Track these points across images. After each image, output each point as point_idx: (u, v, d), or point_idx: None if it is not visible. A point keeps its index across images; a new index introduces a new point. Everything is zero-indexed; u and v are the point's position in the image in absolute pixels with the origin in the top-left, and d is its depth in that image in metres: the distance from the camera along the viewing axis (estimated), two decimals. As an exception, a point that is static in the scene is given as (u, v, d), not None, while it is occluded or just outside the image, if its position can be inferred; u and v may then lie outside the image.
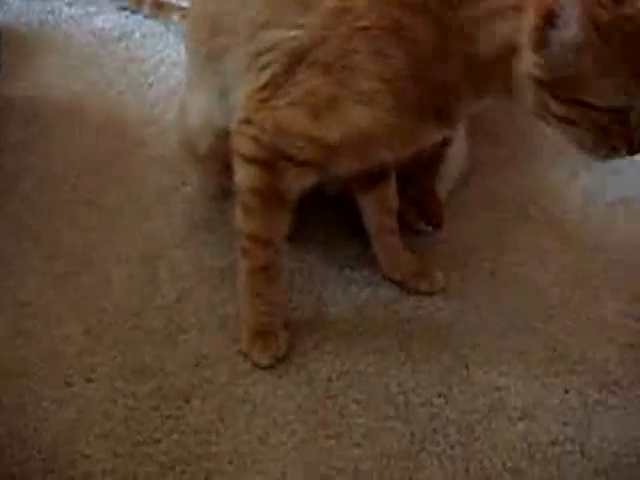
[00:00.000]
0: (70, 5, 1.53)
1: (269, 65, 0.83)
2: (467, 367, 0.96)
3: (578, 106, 0.75)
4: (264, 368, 0.94)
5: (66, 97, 1.33)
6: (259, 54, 0.84)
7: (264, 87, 0.85)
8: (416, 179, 1.07)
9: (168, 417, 0.89)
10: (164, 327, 0.98)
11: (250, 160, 0.87)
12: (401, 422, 0.89)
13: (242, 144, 0.88)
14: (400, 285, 1.05)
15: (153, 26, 1.50)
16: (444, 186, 1.15)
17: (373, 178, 1.00)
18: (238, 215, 0.92)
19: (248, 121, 0.87)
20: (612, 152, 0.79)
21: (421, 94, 0.80)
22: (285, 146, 0.84)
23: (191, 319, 1.00)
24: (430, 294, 1.04)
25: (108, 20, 1.51)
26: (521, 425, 0.90)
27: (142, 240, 1.10)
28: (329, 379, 0.94)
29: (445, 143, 1.05)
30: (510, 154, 1.29)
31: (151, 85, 1.38)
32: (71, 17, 1.50)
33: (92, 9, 1.53)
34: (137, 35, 1.48)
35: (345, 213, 1.10)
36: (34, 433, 0.86)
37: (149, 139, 1.26)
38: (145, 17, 1.52)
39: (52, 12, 1.51)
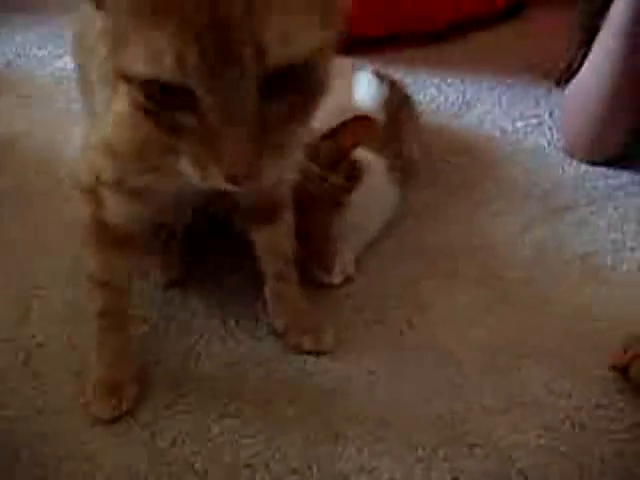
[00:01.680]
0: (39, 48, 1.54)
1: None
2: (337, 441, 0.81)
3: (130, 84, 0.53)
4: (105, 422, 0.83)
5: (7, 134, 1.31)
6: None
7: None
8: (309, 223, 0.95)
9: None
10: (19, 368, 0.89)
11: (79, 189, 0.79)
12: (237, 500, 0.76)
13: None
14: (284, 340, 0.92)
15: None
16: (358, 235, 1.03)
17: (257, 217, 0.89)
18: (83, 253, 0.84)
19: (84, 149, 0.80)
20: (204, 173, 0.54)
21: None
22: (97, 164, 0.75)
23: (50, 364, 0.90)
24: (317, 354, 0.90)
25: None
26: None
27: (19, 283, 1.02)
28: (173, 442, 0.81)
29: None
30: (451, 201, 1.15)
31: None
32: (37, 58, 1.51)
33: (60, 51, 1.53)
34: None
35: (241, 256, 0.99)
36: None
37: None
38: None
39: (19, 54, 1.52)
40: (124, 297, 0.85)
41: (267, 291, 0.94)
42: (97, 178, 0.75)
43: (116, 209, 0.77)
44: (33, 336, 0.93)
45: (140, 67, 0.49)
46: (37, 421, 0.83)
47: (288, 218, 0.90)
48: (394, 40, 1.60)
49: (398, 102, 1.19)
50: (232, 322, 0.95)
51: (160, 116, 0.52)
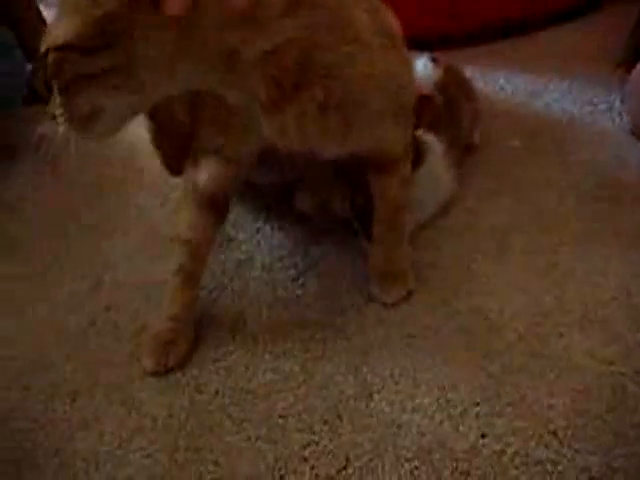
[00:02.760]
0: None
1: None
2: (370, 397, 0.83)
3: None
4: (156, 374, 0.89)
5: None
6: None
7: None
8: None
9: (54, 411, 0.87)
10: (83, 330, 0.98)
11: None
12: (270, 445, 0.79)
13: None
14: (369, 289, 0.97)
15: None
16: (415, 213, 1.04)
17: (371, 168, 0.92)
18: None
19: None
20: None
21: None
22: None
23: (114, 326, 0.98)
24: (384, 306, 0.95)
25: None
26: (407, 466, 0.75)
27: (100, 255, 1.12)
28: (215, 394, 0.86)
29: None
30: (511, 183, 1.15)
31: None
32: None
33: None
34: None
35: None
36: None
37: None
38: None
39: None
40: (201, 258, 0.93)
41: (374, 235, 0.96)
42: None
43: (208, 172, 0.86)
44: (101, 304, 1.02)
45: None
46: (97, 372, 0.91)
47: (405, 171, 0.93)
48: (469, 36, 1.62)
49: (455, 86, 1.20)
50: (280, 290, 1.00)
51: None
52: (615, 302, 0.91)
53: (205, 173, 0.90)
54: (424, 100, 1.02)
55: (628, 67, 1.31)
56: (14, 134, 1.41)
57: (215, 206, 0.92)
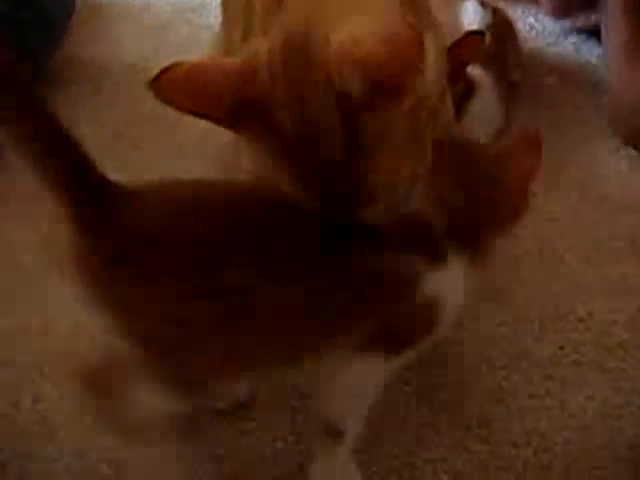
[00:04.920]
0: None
1: None
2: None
3: None
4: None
5: (136, 59, 1.42)
6: None
7: None
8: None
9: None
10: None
11: None
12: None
13: None
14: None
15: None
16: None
17: None
18: None
19: None
20: None
21: None
22: None
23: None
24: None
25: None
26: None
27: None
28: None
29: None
30: (546, 120, 1.22)
31: (217, 51, 1.45)
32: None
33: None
34: (212, 4, 1.56)
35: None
36: None
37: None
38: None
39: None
40: None
41: None
42: None
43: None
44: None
45: None
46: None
47: None
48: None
49: (501, 27, 1.27)
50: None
51: None
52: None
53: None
54: (475, 36, 1.08)
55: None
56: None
57: None
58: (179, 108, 0.56)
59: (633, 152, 1.16)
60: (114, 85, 1.36)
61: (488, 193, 0.67)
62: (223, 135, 0.64)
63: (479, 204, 0.67)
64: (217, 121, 0.57)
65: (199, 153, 1.14)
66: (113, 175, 0.61)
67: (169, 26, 1.51)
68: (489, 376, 0.86)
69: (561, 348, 0.89)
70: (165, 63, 0.56)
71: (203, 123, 0.57)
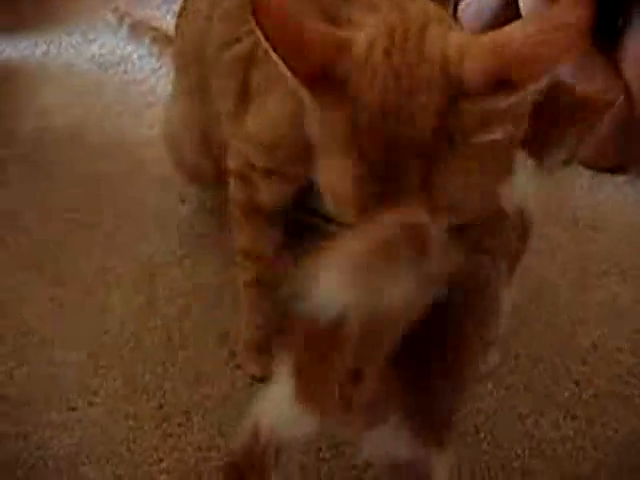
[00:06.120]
0: (69, 34, 1.56)
1: (231, 84, 0.84)
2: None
3: None
4: (260, 381, 0.93)
5: (68, 124, 1.35)
6: (220, 77, 0.86)
7: (234, 105, 0.85)
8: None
9: (170, 435, 0.89)
10: (163, 345, 0.99)
11: (232, 173, 0.88)
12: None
13: (228, 159, 0.89)
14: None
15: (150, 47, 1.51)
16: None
17: None
18: (232, 229, 0.93)
19: (231, 136, 0.88)
20: None
21: None
22: (250, 155, 0.83)
23: (189, 336, 1.00)
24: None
25: (105, 45, 1.53)
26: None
27: (140, 260, 1.11)
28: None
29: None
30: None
31: (149, 105, 1.39)
32: (71, 45, 1.53)
33: (91, 36, 1.56)
34: (135, 57, 1.50)
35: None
36: (37, 460, 0.87)
37: (148, 160, 1.27)
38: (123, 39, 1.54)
39: (53, 42, 1.54)
40: (271, 267, 0.94)
41: None
42: (252, 166, 0.83)
43: (268, 192, 0.86)
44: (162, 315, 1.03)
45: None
46: (197, 389, 0.94)
47: None
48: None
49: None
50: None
51: None
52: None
53: (267, 193, 0.88)
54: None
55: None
56: None
57: (276, 219, 0.92)
58: (273, 42, 0.57)
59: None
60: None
61: None
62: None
63: None
64: (302, 74, 0.57)
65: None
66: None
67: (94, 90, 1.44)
68: (518, 423, 0.88)
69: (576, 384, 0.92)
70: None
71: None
